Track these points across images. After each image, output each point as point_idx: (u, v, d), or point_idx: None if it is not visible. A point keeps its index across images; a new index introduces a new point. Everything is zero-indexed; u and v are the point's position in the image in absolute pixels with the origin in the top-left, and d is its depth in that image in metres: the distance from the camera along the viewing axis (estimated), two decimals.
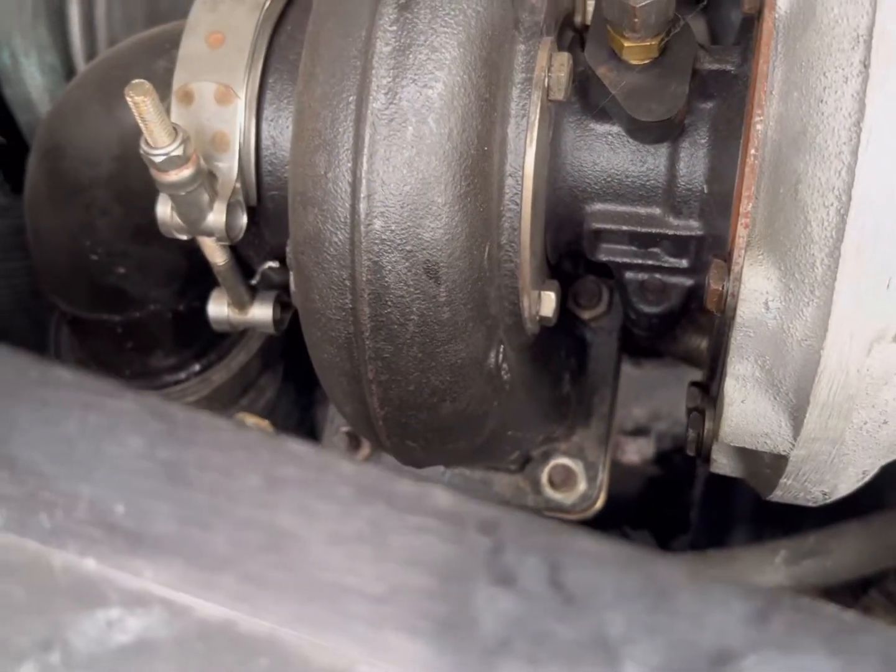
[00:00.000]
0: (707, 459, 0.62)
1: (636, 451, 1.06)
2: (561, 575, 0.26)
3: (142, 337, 0.81)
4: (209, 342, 0.83)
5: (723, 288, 0.52)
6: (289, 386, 0.90)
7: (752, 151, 0.50)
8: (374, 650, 0.27)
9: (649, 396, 1.05)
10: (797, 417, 0.52)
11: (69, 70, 1.01)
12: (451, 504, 0.27)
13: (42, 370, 0.29)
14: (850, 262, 0.47)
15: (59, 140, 0.72)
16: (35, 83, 0.95)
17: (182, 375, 0.84)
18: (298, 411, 0.94)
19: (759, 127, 0.49)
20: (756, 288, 0.51)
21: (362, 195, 0.52)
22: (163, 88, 0.67)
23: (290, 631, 0.26)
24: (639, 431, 1.06)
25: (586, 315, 0.81)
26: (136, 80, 0.55)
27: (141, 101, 0.54)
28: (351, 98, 0.52)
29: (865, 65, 0.46)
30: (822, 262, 0.48)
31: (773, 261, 0.50)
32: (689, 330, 0.83)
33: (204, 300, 0.73)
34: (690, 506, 1.12)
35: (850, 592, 1.00)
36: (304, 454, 0.28)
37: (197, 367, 0.84)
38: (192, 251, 0.69)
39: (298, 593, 0.27)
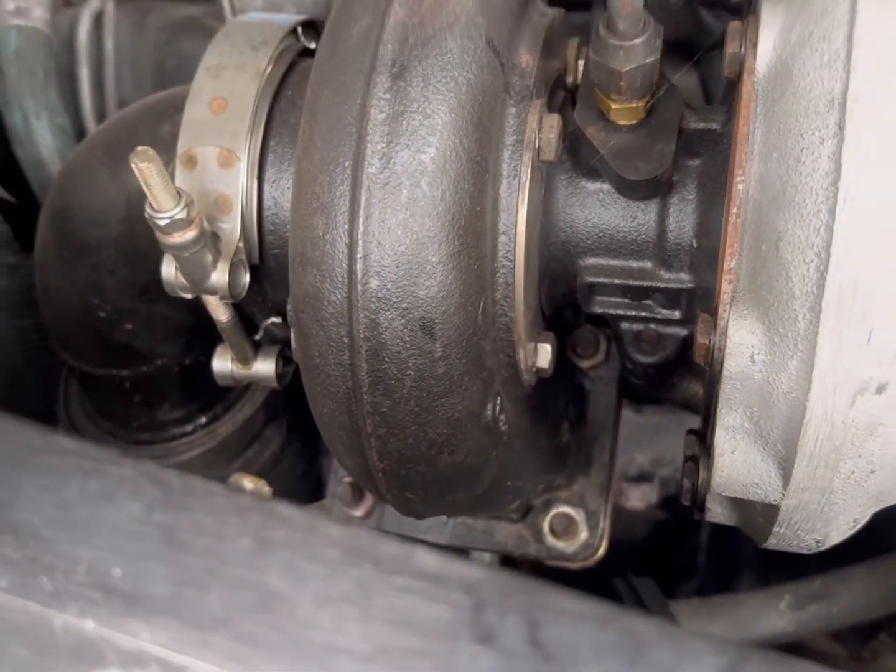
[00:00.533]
0: (702, 508, 0.63)
1: (640, 497, 1.06)
2: (540, 633, 0.27)
3: (149, 391, 0.82)
4: (215, 395, 0.85)
5: (709, 342, 0.53)
6: (294, 437, 0.91)
7: (735, 210, 0.51)
8: None
9: (651, 442, 1.06)
10: (786, 468, 0.53)
11: (79, 131, 1.04)
12: (435, 565, 0.28)
13: (45, 439, 0.30)
14: (831, 316, 0.48)
15: (68, 201, 0.74)
16: (46, 144, 0.97)
17: (189, 428, 0.85)
18: (304, 462, 0.95)
19: (740, 186, 0.51)
20: (741, 342, 0.52)
21: (359, 255, 0.54)
22: (167, 152, 0.69)
23: None
24: (642, 477, 1.07)
25: (585, 364, 0.82)
26: (140, 147, 0.57)
27: (145, 167, 0.56)
28: (347, 163, 0.54)
29: (840, 127, 0.47)
30: (804, 317, 0.49)
31: (758, 315, 0.51)
32: (686, 377, 0.84)
33: (210, 354, 0.74)
34: (696, 551, 1.12)
35: (859, 636, 1.00)
36: (293, 517, 0.29)
37: (203, 420, 0.85)
38: (197, 307, 0.70)
39: (289, 653, 0.28)
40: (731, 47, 0.54)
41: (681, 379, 0.84)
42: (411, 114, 0.54)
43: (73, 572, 0.29)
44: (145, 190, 0.58)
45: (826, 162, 0.48)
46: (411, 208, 0.54)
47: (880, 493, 0.54)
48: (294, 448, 0.92)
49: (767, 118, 0.51)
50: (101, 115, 1.05)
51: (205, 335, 0.78)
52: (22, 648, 0.30)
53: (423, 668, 0.28)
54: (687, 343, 0.70)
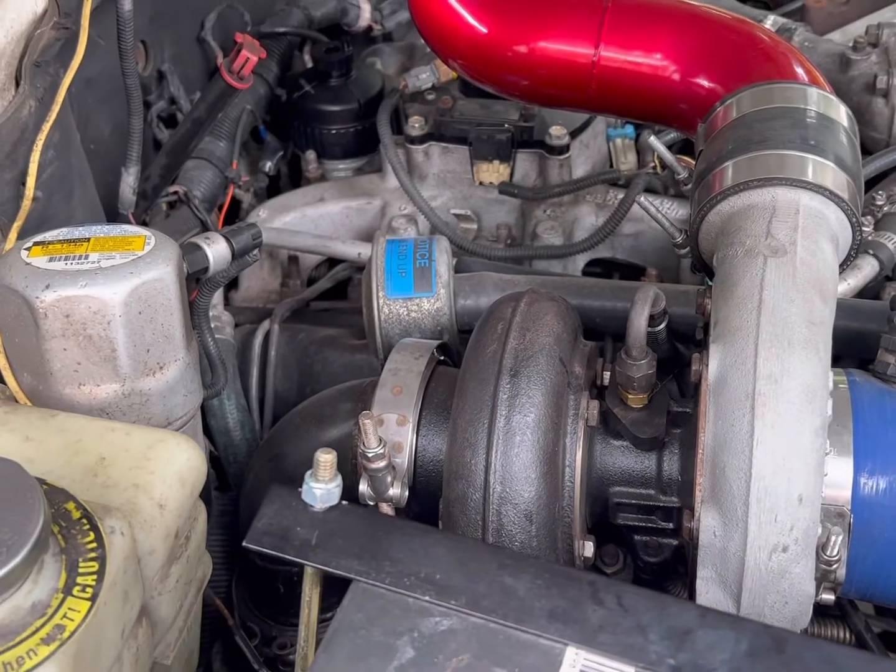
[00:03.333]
0: None
1: None
2: None
3: None
4: None
5: (691, 525, 0.94)
6: None
7: (700, 451, 0.94)
8: None
9: None
10: (737, 600, 0.92)
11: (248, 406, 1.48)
12: None
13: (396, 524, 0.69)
14: (754, 507, 0.89)
15: (282, 448, 1.17)
16: (232, 417, 1.41)
17: None
18: None
19: (703, 438, 0.94)
20: (707, 524, 0.92)
21: (491, 472, 0.96)
22: (346, 420, 1.13)
23: None
24: None
25: (609, 570, 1.20)
26: (365, 412, 0.99)
27: (369, 423, 0.99)
28: (485, 421, 0.98)
29: (752, 408, 0.91)
30: (740, 508, 0.90)
31: (716, 509, 0.92)
32: (678, 585, 1.23)
33: None
34: None
35: None
36: None
37: None
38: None
39: None
40: (694, 366, 0.99)
41: (673, 586, 1.23)
42: (521, 396, 0.98)
43: (413, 575, 0.67)
44: (363, 436, 1.00)
45: (746, 425, 0.91)
46: (520, 447, 0.97)
47: (794, 618, 0.92)
48: None
49: (715, 403, 0.94)
50: (262, 401, 1.50)
51: None
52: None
53: None
54: (677, 551, 1.10)
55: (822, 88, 1.16)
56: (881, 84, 1.58)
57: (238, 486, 1.37)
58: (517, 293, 1.11)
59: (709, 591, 0.94)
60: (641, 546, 1.12)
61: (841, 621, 1.24)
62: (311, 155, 1.80)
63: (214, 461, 1.39)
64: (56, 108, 1.17)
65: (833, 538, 0.92)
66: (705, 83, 1.22)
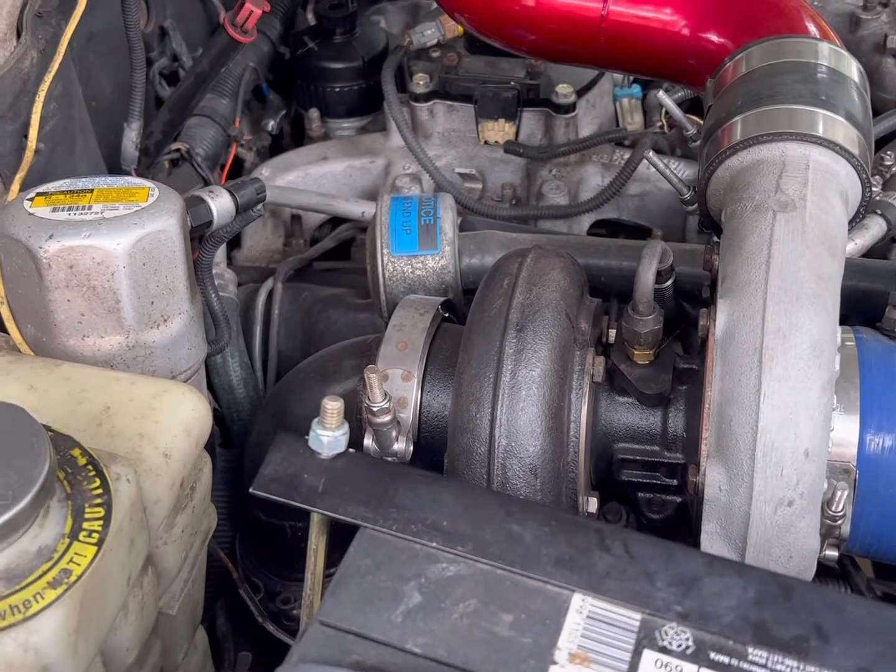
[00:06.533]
0: None
1: None
2: None
3: None
4: None
5: (696, 479, 0.94)
6: None
7: (707, 406, 0.94)
8: None
9: None
10: (742, 554, 0.92)
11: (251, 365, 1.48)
12: None
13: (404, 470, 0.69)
14: (760, 461, 0.89)
15: (287, 403, 1.16)
16: (236, 375, 1.41)
17: None
18: None
19: (709, 393, 0.94)
20: (713, 479, 0.92)
21: (496, 426, 0.96)
22: (352, 375, 1.13)
23: None
24: None
25: None
26: (371, 366, 0.99)
27: (374, 377, 0.98)
28: (491, 376, 0.97)
29: (760, 362, 0.91)
30: (746, 462, 0.90)
31: (722, 463, 0.92)
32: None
33: None
34: None
35: None
36: None
37: None
38: None
39: None
40: (702, 321, 0.99)
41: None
42: (527, 351, 0.98)
43: (420, 522, 0.67)
44: (369, 389, 0.99)
45: (754, 380, 0.90)
46: (528, 400, 0.96)
47: (798, 573, 0.92)
48: None
49: (722, 358, 0.94)
50: (265, 361, 1.49)
51: None
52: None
53: None
54: (681, 507, 1.10)
55: (833, 43, 1.14)
56: (891, 44, 1.57)
57: (241, 443, 1.37)
58: (523, 249, 1.10)
59: (713, 545, 0.94)
60: (645, 503, 1.11)
61: (842, 581, 1.24)
62: (314, 113, 1.78)
63: (218, 419, 1.39)
64: (58, 58, 1.16)
65: (839, 493, 0.92)
66: (715, 38, 1.21)
